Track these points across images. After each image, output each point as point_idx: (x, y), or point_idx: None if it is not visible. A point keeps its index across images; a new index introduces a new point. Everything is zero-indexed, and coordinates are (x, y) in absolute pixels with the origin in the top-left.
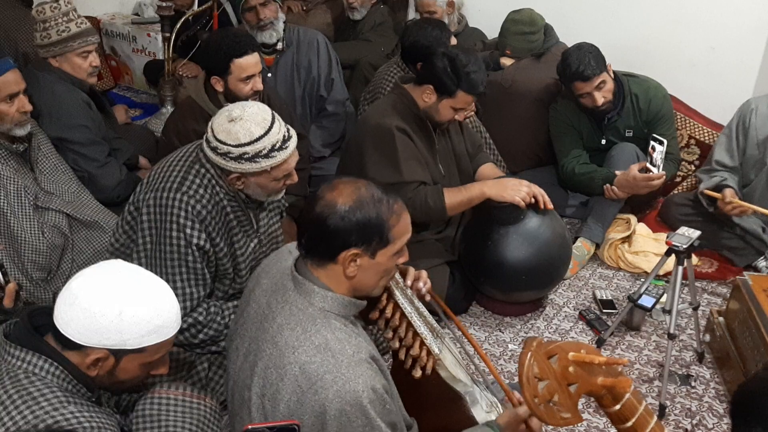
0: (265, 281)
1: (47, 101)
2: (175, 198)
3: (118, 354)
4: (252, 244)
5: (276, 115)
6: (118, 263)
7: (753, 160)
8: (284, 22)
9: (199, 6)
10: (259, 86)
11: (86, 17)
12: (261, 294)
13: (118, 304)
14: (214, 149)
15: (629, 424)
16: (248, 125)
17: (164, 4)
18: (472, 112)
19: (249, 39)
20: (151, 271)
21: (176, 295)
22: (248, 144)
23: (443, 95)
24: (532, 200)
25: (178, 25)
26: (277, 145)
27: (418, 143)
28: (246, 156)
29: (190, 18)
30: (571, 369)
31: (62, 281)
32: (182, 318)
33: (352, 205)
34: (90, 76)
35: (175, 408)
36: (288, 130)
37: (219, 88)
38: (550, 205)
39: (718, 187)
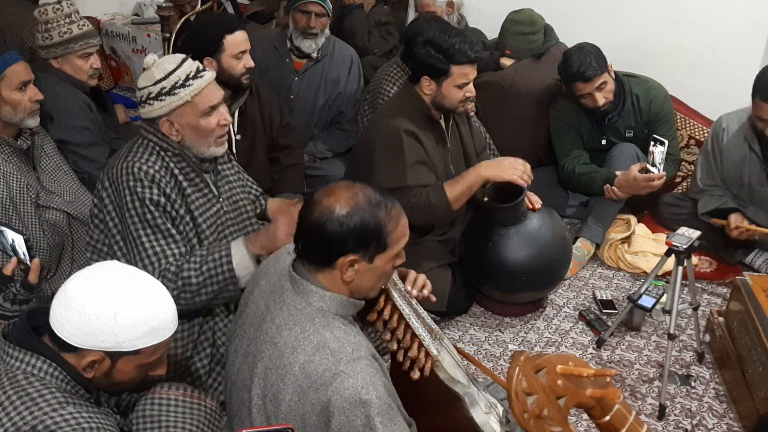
0: (264, 282)
1: (48, 102)
2: (122, 167)
3: (114, 356)
4: (214, 208)
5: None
6: (114, 265)
7: (731, 180)
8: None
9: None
10: (251, 63)
11: (86, 18)
12: (259, 295)
13: (112, 307)
14: (140, 102)
15: None
16: (161, 64)
17: (165, 5)
18: (472, 113)
19: (236, 18)
20: (126, 246)
21: (148, 257)
22: (164, 78)
23: (440, 78)
24: (530, 180)
25: (178, 25)
26: (192, 74)
27: (427, 145)
28: (165, 90)
29: (192, 18)
30: (559, 382)
31: (62, 281)
32: (156, 278)
33: (350, 210)
34: (91, 78)
35: (176, 408)
36: (202, 66)
37: (212, 69)
38: (538, 204)
39: (721, 212)
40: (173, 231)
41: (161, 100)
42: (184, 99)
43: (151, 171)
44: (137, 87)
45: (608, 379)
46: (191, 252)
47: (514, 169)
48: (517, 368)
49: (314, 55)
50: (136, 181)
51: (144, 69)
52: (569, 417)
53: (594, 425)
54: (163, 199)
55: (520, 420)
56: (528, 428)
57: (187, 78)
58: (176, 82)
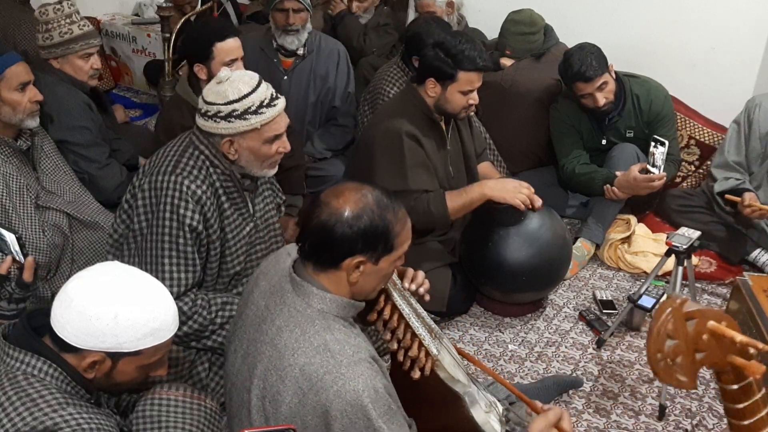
0: (264, 283)
1: (48, 103)
2: (169, 180)
3: (115, 357)
4: (248, 228)
5: (262, 79)
6: (115, 265)
7: (755, 153)
8: (308, 33)
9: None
10: (242, 70)
11: (86, 18)
12: (259, 296)
13: (113, 307)
14: (204, 114)
15: (740, 406)
16: (236, 84)
17: (165, 5)
18: (472, 112)
19: (230, 25)
20: (142, 253)
21: (163, 279)
22: (237, 101)
23: (446, 82)
24: (531, 204)
25: (178, 25)
26: (266, 102)
27: (427, 147)
28: (235, 113)
29: (192, 18)
30: (704, 337)
31: (62, 281)
32: None
33: (359, 212)
34: (91, 78)
35: (175, 409)
36: (276, 93)
37: (202, 75)
38: (538, 203)
39: (737, 191)
40: (197, 261)
41: (230, 121)
42: (253, 126)
43: (199, 192)
44: (204, 98)
45: (752, 351)
46: (211, 299)
47: (518, 193)
48: (669, 309)
49: (300, 51)
50: (180, 200)
51: (217, 82)
52: None
53: (594, 425)
54: (201, 227)
55: (651, 358)
56: (656, 369)
57: (261, 105)
58: (249, 107)
